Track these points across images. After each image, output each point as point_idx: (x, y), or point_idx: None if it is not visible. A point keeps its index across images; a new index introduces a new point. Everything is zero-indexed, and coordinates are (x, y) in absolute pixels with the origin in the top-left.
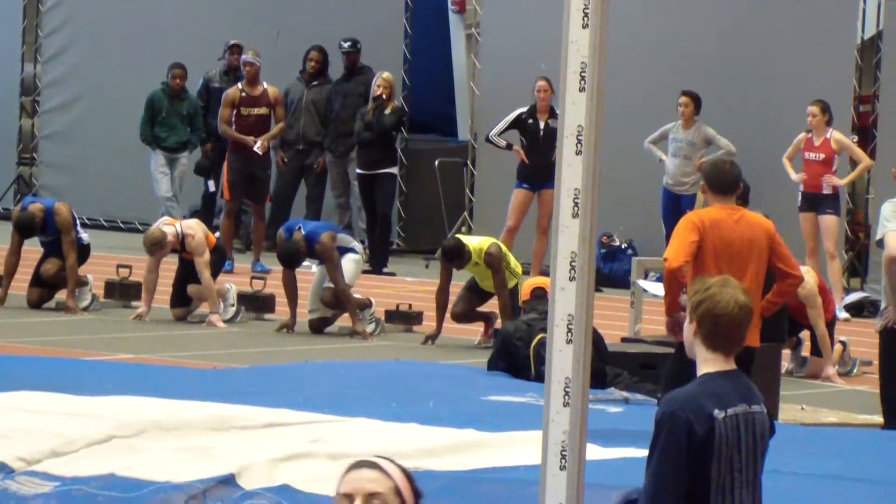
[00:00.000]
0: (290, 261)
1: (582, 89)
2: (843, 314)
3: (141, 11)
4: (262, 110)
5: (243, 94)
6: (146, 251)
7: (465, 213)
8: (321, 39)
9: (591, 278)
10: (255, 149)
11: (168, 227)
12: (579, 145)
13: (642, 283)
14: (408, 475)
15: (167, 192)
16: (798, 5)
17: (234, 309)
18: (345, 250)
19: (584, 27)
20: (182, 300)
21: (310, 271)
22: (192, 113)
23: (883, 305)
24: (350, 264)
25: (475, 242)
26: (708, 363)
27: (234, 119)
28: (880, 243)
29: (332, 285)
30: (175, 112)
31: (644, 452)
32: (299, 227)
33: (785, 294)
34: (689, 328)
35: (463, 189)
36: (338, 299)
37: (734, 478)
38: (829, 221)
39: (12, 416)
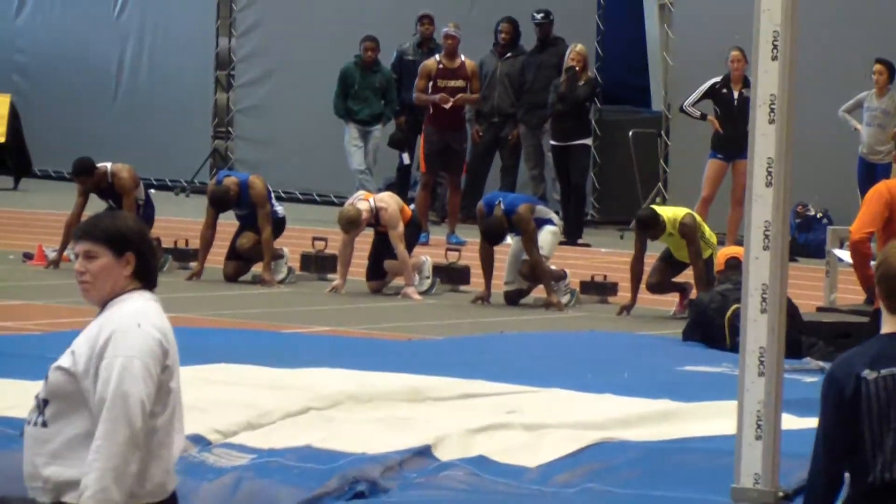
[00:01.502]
0: (494, 237)
1: (774, 58)
2: None
3: None
4: (459, 83)
5: (441, 65)
6: (341, 229)
7: (660, 184)
8: (515, 11)
9: (784, 247)
10: (445, 105)
11: (362, 202)
12: (772, 114)
13: (837, 252)
14: None
15: (360, 164)
16: None
17: (429, 281)
18: (543, 222)
19: None
20: (378, 273)
21: (506, 243)
22: (385, 85)
23: None
24: (548, 236)
25: (670, 212)
26: (887, 325)
27: (430, 91)
28: None
29: (529, 259)
30: (368, 85)
31: None
32: (499, 202)
33: None
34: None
35: (657, 160)
36: (535, 272)
37: (891, 436)
38: None
39: (209, 388)
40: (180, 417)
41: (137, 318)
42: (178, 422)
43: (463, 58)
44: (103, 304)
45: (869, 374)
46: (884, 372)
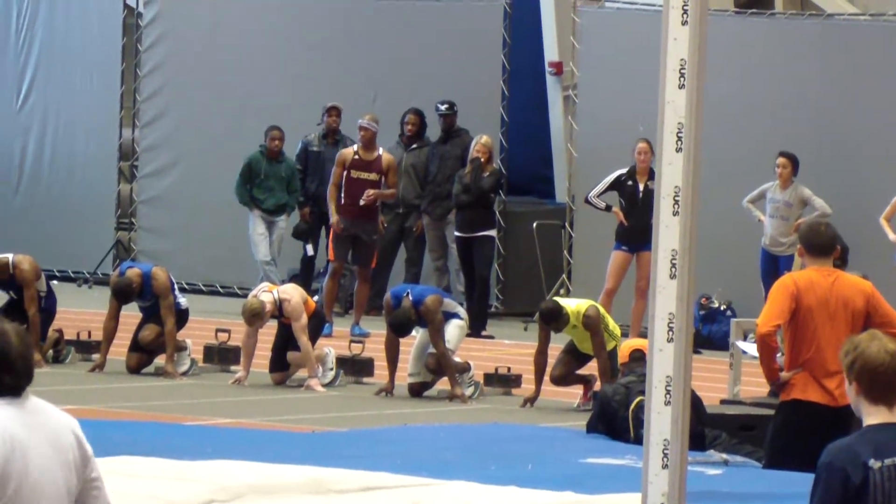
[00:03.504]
0: (401, 329)
1: (679, 150)
2: None
3: (237, 75)
4: (373, 176)
5: (357, 156)
6: (245, 321)
7: (564, 276)
8: (418, 102)
9: (689, 339)
10: (360, 201)
11: (266, 294)
12: (676, 206)
13: (741, 344)
14: None
15: (266, 255)
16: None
17: (332, 373)
18: (450, 315)
19: (680, 87)
20: (281, 365)
21: (411, 335)
22: (289, 176)
23: None
24: (454, 329)
25: (573, 305)
26: (871, 416)
27: (343, 181)
28: None
29: (435, 351)
30: (273, 174)
31: None
32: (407, 294)
33: None
34: (850, 389)
35: (561, 251)
36: (440, 365)
37: None
38: None
39: (112, 480)
40: None
41: None
42: None
43: (381, 151)
44: None
45: (874, 464)
46: (887, 462)
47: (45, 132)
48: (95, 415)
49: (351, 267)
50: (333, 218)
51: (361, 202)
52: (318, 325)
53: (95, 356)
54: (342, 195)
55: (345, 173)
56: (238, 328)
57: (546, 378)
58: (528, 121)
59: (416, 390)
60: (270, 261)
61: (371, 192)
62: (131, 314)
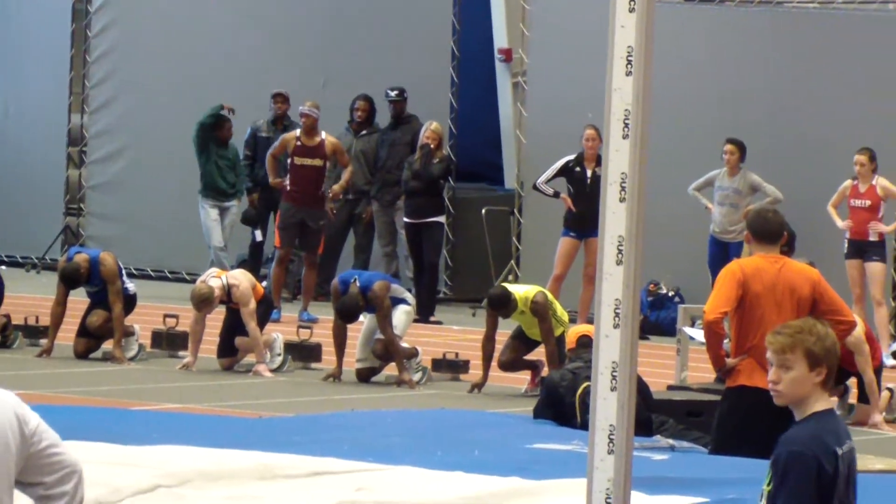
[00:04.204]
0: (349, 315)
1: (625, 136)
2: (890, 361)
3: (187, 61)
4: (317, 162)
5: (299, 143)
6: (193, 307)
7: (512, 262)
8: (368, 88)
9: (635, 325)
10: (328, 203)
11: (214, 280)
12: (623, 192)
13: (688, 330)
14: None
15: (219, 242)
16: (844, 53)
17: (280, 358)
18: (397, 301)
19: (627, 74)
20: (229, 350)
21: (358, 321)
22: (234, 161)
23: None
24: (402, 315)
25: (521, 291)
26: (819, 402)
27: (288, 169)
28: None
29: (383, 337)
30: (223, 157)
31: (688, 500)
32: (355, 280)
33: (838, 339)
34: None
35: (510, 237)
36: (388, 351)
37: None
38: (875, 268)
39: None
40: None
41: None
42: None
43: (324, 135)
44: None
45: (839, 451)
46: (845, 448)
47: None
48: (42, 400)
49: (299, 253)
50: (274, 180)
51: (330, 197)
52: (266, 311)
53: (43, 341)
54: (288, 182)
55: (289, 161)
56: (186, 313)
57: (494, 364)
58: (477, 107)
59: (364, 376)
60: (223, 246)
61: (335, 187)
62: (79, 299)
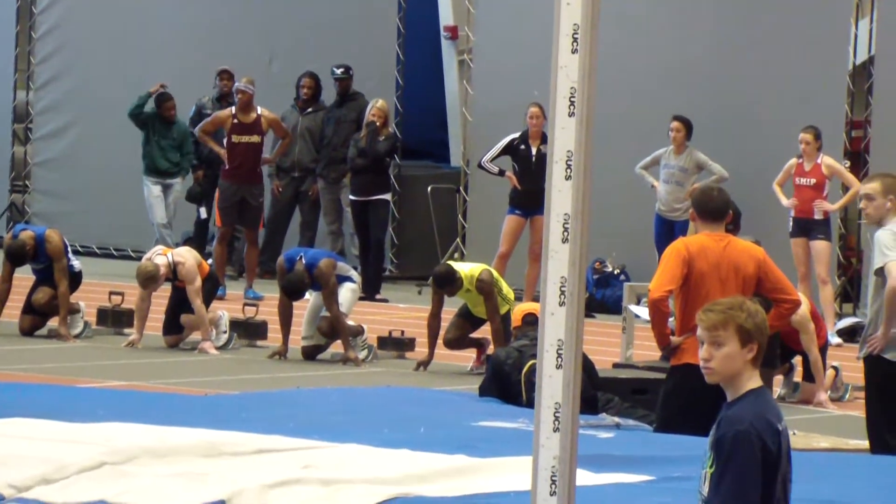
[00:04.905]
0: (294, 293)
1: (571, 114)
2: (835, 339)
3: (133, 38)
4: (254, 138)
5: (235, 120)
6: (139, 285)
7: (458, 240)
8: (314, 65)
9: (580, 303)
10: (262, 165)
11: (160, 257)
12: (569, 170)
13: (634, 308)
14: None
15: (162, 218)
16: (789, 31)
17: (226, 336)
18: (343, 279)
19: (573, 52)
20: (174, 327)
21: (304, 298)
22: (182, 139)
23: (867, 332)
24: (347, 293)
25: (467, 269)
26: (752, 380)
27: (225, 146)
28: (879, 272)
29: (328, 314)
30: (166, 136)
31: (634, 478)
32: (300, 257)
33: (782, 318)
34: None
35: (455, 215)
36: (334, 328)
37: (788, 489)
38: (820, 246)
39: (3, 442)
40: None
41: None
42: None
43: (259, 111)
44: None
45: (780, 427)
46: (783, 424)
47: None
48: None
49: (240, 230)
50: (217, 150)
51: (265, 165)
52: (212, 289)
53: None
54: (226, 160)
55: (226, 139)
56: (131, 291)
57: (440, 341)
58: (423, 85)
59: (310, 353)
60: (167, 223)
61: (268, 157)
62: (25, 276)
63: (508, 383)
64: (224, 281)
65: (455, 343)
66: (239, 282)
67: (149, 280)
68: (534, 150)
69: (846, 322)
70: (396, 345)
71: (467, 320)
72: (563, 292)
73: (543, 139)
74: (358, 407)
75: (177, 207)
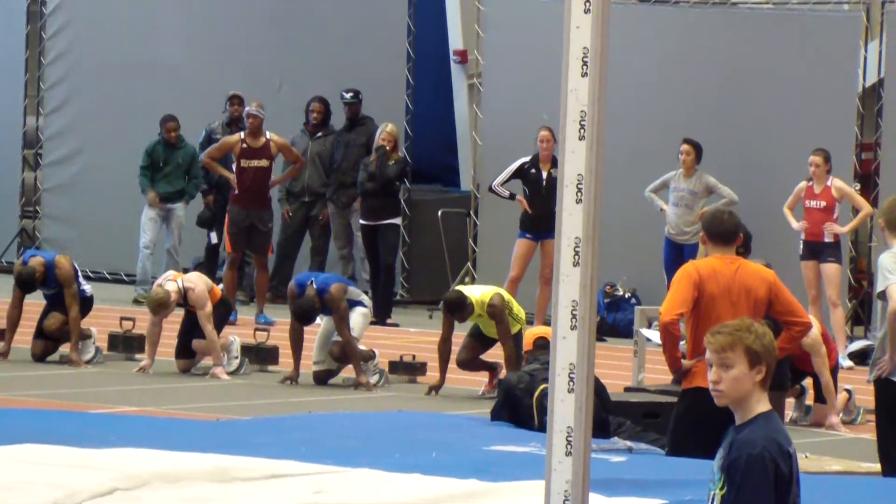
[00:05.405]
0: (305, 318)
1: (581, 138)
2: (846, 362)
3: (142, 64)
4: (263, 163)
5: (244, 144)
6: (150, 311)
7: (469, 264)
8: (324, 90)
9: (592, 327)
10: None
11: (171, 283)
12: (579, 194)
13: (645, 332)
14: None
15: (147, 241)
16: (799, 54)
17: (237, 361)
18: (354, 303)
19: (583, 76)
20: (186, 352)
21: (315, 323)
22: (188, 163)
23: (876, 355)
24: (358, 318)
25: (478, 294)
26: (762, 403)
27: (234, 171)
28: (882, 295)
29: (339, 339)
30: (171, 162)
31: (646, 501)
32: (311, 282)
33: (793, 340)
34: (743, 375)
35: (466, 239)
36: (345, 353)
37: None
38: (831, 269)
39: (16, 468)
40: None
41: None
42: None
43: (268, 135)
44: None
45: (791, 451)
46: (793, 447)
47: None
48: None
49: (250, 255)
50: (225, 175)
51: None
52: (223, 314)
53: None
54: (235, 185)
55: (234, 164)
56: (142, 316)
57: (451, 365)
58: (432, 109)
59: (321, 378)
60: (150, 246)
61: (275, 178)
62: (36, 301)
63: (520, 407)
64: (235, 306)
65: (467, 364)
66: (250, 307)
67: (159, 307)
68: (544, 174)
69: (857, 345)
70: (408, 369)
71: (479, 341)
72: (574, 316)
73: (554, 163)
74: (369, 431)
75: (183, 232)
